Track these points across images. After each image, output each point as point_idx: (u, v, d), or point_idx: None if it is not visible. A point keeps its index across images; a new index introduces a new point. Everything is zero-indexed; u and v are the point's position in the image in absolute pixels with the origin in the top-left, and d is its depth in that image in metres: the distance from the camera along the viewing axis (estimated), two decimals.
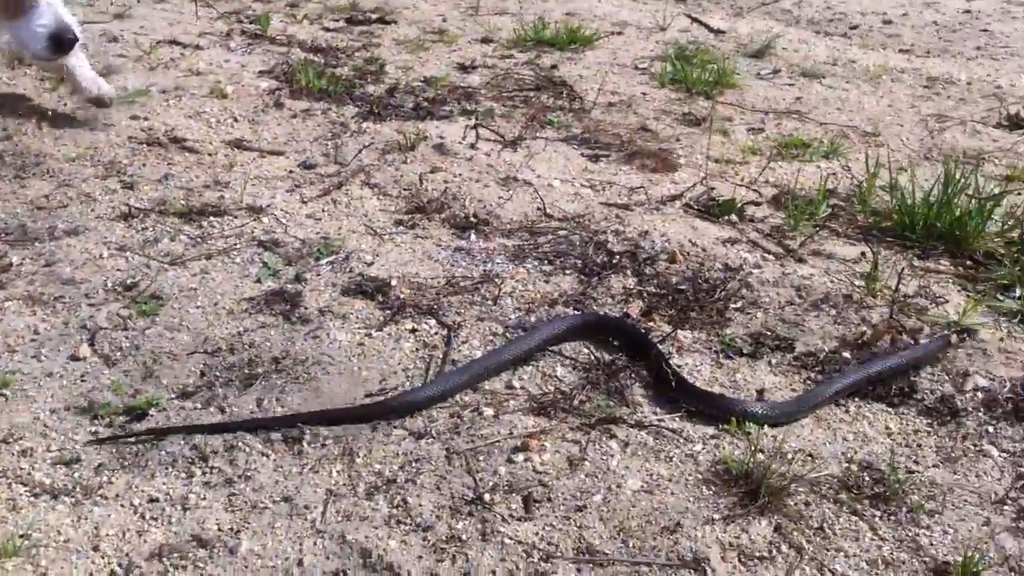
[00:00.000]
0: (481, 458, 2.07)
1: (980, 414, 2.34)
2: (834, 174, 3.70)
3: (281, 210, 3.14)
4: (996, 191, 3.39)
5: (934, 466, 2.17)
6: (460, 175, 3.41)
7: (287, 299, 2.63)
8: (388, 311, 2.60)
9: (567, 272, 2.84)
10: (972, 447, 2.24)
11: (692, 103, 4.39)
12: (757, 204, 3.36)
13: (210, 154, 3.54)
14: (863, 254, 3.04)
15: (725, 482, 2.05)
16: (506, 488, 1.99)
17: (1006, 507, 2.05)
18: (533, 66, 4.79)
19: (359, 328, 2.52)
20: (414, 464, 2.04)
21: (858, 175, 3.62)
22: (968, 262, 3.08)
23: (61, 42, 3.06)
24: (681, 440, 2.17)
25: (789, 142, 3.97)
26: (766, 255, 2.99)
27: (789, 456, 2.14)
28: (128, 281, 2.72)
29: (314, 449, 2.09)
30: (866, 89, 4.77)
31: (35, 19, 3.01)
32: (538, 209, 3.20)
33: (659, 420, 2.23)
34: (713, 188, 3.43)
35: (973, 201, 3.18)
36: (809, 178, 3.62)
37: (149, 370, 2.37)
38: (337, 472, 2.03)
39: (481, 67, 4.73)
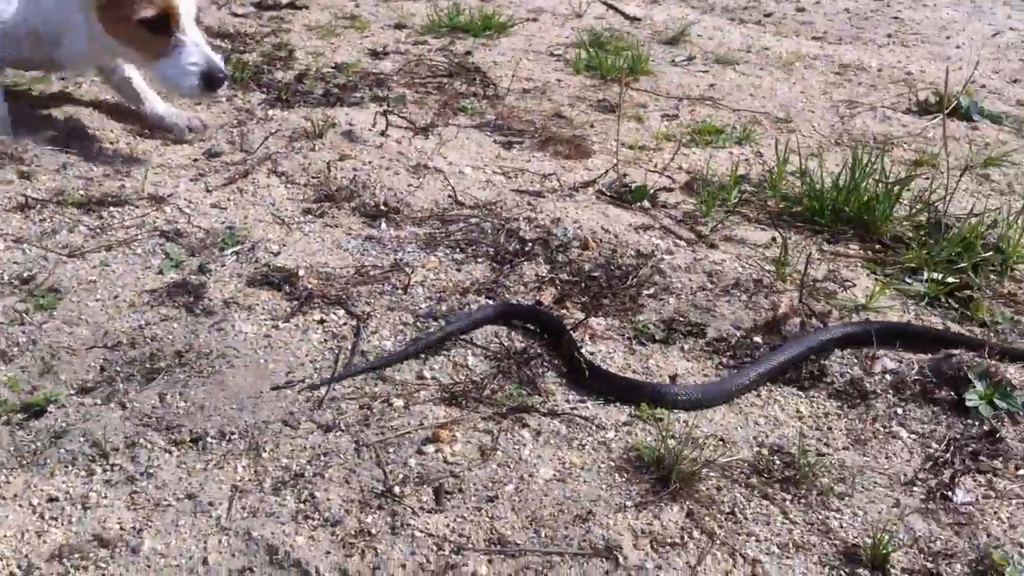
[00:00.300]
0: (391, 450, 2.02)
1: (889, 396, 2.37)
2: (746, 160, 3.73)
3: (185, 199, 3.04)
4: (904, 176, 3.45)
5: (844, 448, 2.19)
6: (370, 162, 3.34)
7: (190, 291, 2.55)
8: (295, 302, 2.53)
9: (479, 260, 2.80)
10: (882, 429, 2.26)
11: (607, 90, 4.38)
12: (670, 190, 3.36)
13: (111, 142, 3.41)
14: (774, 239, 3.05)
15: (637, 469, 2.03)
16: (416, 480, 1.94)
17: (915, 488, 2.07)
18: (447, 52, 4.73)
19: (265, 320, 2.45)
20: (322, 458, 1.99)
21: (770, 161, 3.64)
22: (877, 246, 3.12)
23: (212, 80, 3.02)
24: (594, 428, 2.15)
25: (702, 128, 3.99)
26: (678, 241, 2.99)
27: (701, 441, 2.13)
28: (25, 274, 2.61)
29: (219, 444, 2.02)
30: (779, 76, 4.82)
31: (184, 58, 2.99)
32: (449, 196, 3.15)
33: (572, 408, 2.20)
34: (626, 175, 3.42)
35: (880, 186, 3.23)
36: (721, 164, 3.63)
37: (47, 365, 2.28)
38: (243, 467, 1.96)
39: (394, 53, 4.66)
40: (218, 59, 3.06)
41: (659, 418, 2.20)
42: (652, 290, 2.72)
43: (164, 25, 2.97)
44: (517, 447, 2.06)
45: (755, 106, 4.32)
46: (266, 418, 2.09)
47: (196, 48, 3.01)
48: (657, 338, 2.53)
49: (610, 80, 4.50)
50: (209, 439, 2.02)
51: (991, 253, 3.04)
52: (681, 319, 2.61)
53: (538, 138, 3.72)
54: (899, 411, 2.32)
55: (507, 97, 4.15)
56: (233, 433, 2.04)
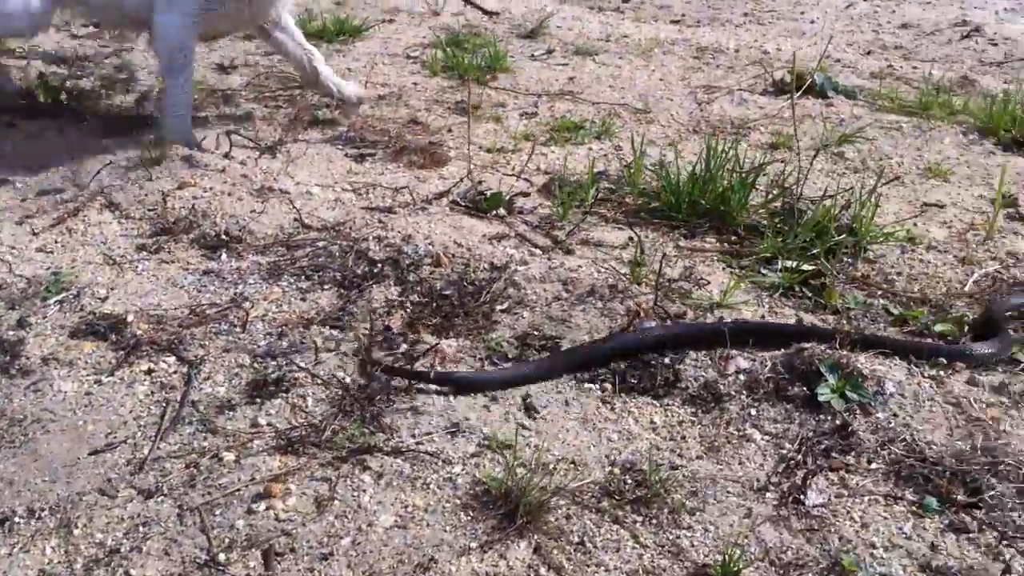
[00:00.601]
0: (218, 512, 1.90)
1: (743, 397, 2.33)
2: (605, 155, 3.69)
3: (7, 246, 2.85)
4: (759, 161, 3.44)
5: (698, 458, 2.15)
6: (211, 189, 3.18)
7: (6, 349, 2.38)
8: (122, 352, 2.38)
9: (326, 287, 2.69)
10: (735, 433, 2.23)
11: (465, 91, 4.28)
12: (526, 195, 3.28)
13: None
14: (631, 239, 3.00)
15: (484, 504, 1.95)
16: (244, 544, 1.83)
17: (768, 494, 2.04)
18: None
19: (87, 375, 2.29)
20: (141, 528, 1.86)
21: (629, 155, 3.60)
22: (733, 237, 3.10)
23: None
24: (440, 463, 2.06)
25: (561, 125, 3.93)
26: (534, 249, 2.92)
27: (551, 466, 2.07)
28: None
29: (27, 524, 1.87)
30: (638, 64, 4.79)
31: None
32: (295, 220, 3.02)
33: (417, 443, 2.11)
34: (482, 181, 3.33)
35: (734, 175, 3.20)
36: (581, 161, 3.57)
37: None
38: (52, 548, 1.82)
39: (242, 67, 4.49)
40: None
41: (508, 445, 2.12)
42: (506, 304, 2.65)
43: None
44: (356, 494, 1.96)
45: (614, 97, 4.28)
46: (81, 488, 1.94)
47: None
48: (510, 356, 2.45)
49: (468, 80, 4.41)
50: (16, 519, 1.87)
51: (844, 236, 3.05)
52: (536, 333, 2.54)
53: (392, 148, 3.61)
54: (753, 412, 2.29)
55: (361, 106, 4.03)
56: (43, 509, 1.89)
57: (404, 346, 2.45)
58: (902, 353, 2.48)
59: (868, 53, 5.24)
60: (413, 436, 2.14)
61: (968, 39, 5.67)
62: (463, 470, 2.05)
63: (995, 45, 5.59)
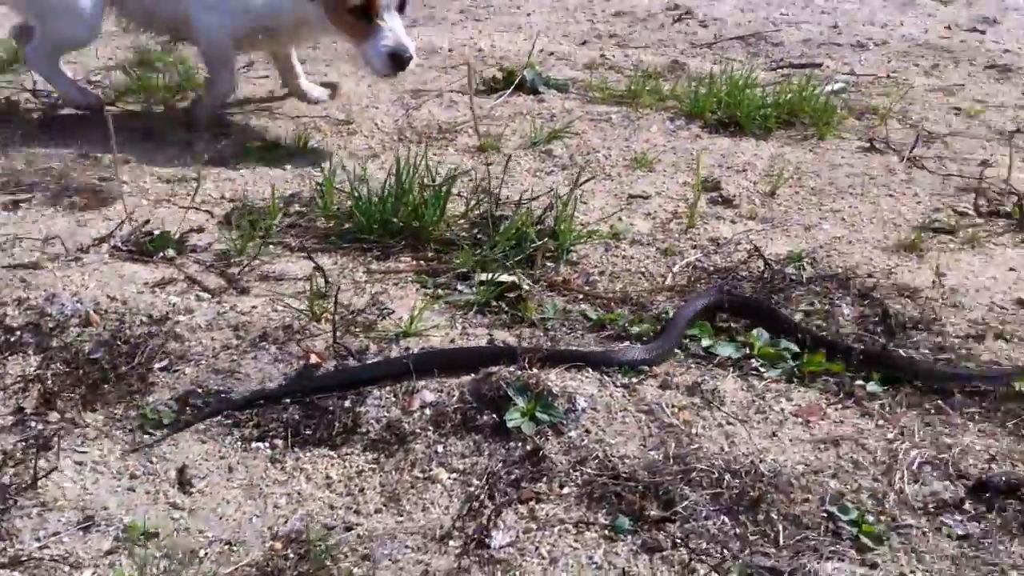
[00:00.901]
0: None
1: (429, 434, 2.15)
2: (301, 175, 3.42)
3: None
4: (463, 166, 3.29)
5: (377, 512, 1.95)
6: None
7: None
8: None
9: None
10: (420, 475, 2.05)
11: (151, 116, 3.92)
12: (202, 230, 2.97)
13: None
14: (317, 269, 2.76)
15: None
16: None
17: (451, 542, 1.87)
18: None
19: None
20: None
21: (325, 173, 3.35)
22: (429, 254, 2.92)
23: (397, 60, 3.39)
24: (67, 569, 1.76)
25: (254, 145, 3.63)
26: (202, 293, 2.62)
27: (201, 552, 1.81)
28: None
29: None
30: (346, 70, 4.53)
31: (379, 40, 3.36)
32: None
33: (41, 548, 1.80)
34: (148, 221, 2.99)
35: (428, 189, 3.02)
36: (275, 183, 3.29)
37: None
38: None
39: None
40: (407, 42, 3.43)
41: (154, 533, 1.84)
42: (165, 362, 2.35)
43: (366, 12, 3.36)
44: None
45: (316, 109, 4.02)
46: None
47: (390, 33, 3.37)
48: (166, 422, 2.16)
49: (154, 102, 4.05)
50: None
51: (546, 239, 2.92)
52: (199, 391, 2.27)
53: (52, 190, 3.21)
54: (440, 449, 2.11)
55: (24, 146, 3.57)
56: None
57: (38, 427, 2.12)
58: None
59: (583, 43, 5.20)
60: (37, 539, 1.83)
61: (680, 22, 5.74)
62: (94, 574, 1.75)
63: (705, 27, 5.69)
